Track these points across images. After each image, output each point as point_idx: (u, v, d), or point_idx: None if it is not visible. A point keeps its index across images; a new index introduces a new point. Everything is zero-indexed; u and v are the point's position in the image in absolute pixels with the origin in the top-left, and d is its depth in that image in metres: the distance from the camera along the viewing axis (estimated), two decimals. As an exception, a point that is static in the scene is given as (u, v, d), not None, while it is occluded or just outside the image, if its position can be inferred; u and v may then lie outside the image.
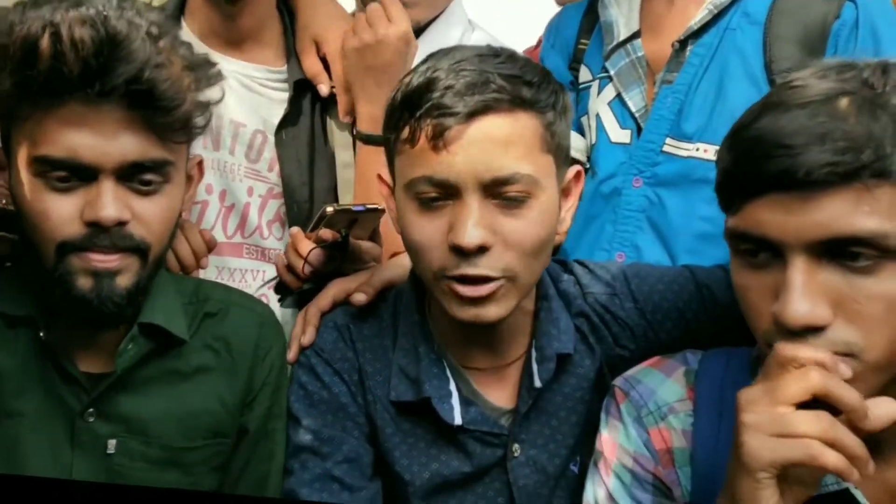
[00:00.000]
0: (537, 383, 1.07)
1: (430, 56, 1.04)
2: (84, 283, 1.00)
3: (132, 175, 1.00)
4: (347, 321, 1.14)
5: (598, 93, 1.46)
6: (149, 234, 1.02)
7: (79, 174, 0.98)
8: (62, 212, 0.99)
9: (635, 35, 1.43)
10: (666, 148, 1.38)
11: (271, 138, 1.43)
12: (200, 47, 1.33)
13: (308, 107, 1.46)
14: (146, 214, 1.02)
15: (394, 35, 1.37)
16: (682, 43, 1.39)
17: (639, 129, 1.41)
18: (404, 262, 1.22)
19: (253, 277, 1.44)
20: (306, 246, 1.22)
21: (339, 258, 1.21)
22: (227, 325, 1.16)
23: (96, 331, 1.07)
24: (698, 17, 1.38)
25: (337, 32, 1.46)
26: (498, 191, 0.97)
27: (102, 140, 0.97)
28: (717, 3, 1.38)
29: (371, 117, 1.40)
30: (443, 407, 1.07)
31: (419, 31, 1.55)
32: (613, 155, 1.42)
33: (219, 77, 1.08)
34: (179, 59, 1.02)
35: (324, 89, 1.45)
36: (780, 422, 0.76)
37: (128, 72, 0.96)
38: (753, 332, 0.87)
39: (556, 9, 1.77)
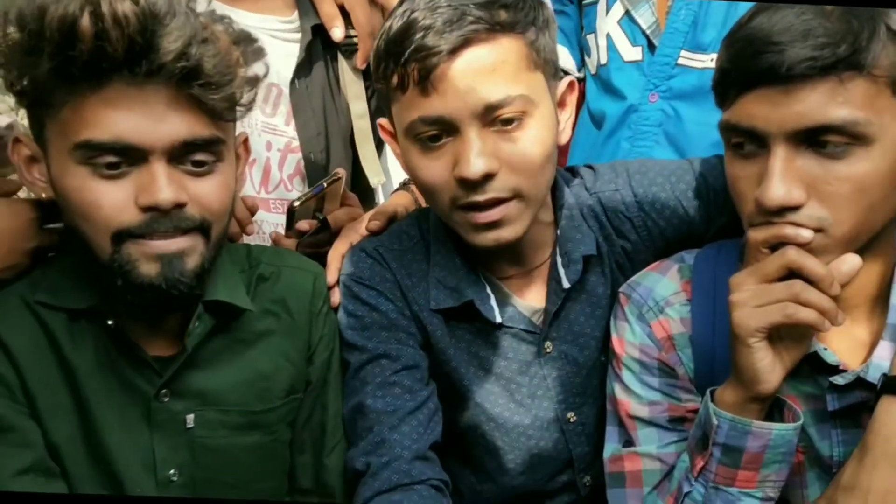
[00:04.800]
0: (566, 284, 1.27)
1: None
2: (149, 268, 1.06)
3: (184, 156, 1.06)
4: (376, 246, 1.33)
5: (607, 11, 1.65)
6: (208, 213, 1.09)
7: (128, 157, 1.04)
8: (114, 199, 1.04)
9: None
10: (681, 61, 1.58)
11: (286, 91, 1.56)
12: None
13: (321, 56, 1.62)
14: (203, 195, 1.08)
15: None
16: None
17: (650, 45, 1.61)
18: (399, 199, 1.44)
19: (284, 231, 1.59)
20: (291, 245, 1.41)
21: (327, 238, 1.41)
22: (282, 286, 1.27)
23: (162, 314, 1.16)
24: None
25: None
26: (493, 116, 1.12)
27: (150, 120, 1.02)
28: None
29: None
30: (485, 307, 1.27)
31: None
32: (628, 73, 1.63)
33: (262, 52, 1.15)
34: (224, 34, 1.09)
35: (337, 33, 1.58)
36: (761, 294, 1.02)
37: (175, 48, 1.00)
38: (741, 217, 1.11)
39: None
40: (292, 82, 1.57)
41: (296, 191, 1.59)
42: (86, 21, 0.98)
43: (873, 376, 1.07)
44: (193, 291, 1.10)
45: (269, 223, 1.58)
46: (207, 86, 1.04)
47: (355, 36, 1.59)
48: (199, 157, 1.08)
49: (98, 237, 1.06)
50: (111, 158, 1.03)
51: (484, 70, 1.12)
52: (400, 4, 1.17)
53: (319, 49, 1.61)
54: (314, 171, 1.59)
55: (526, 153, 1.15)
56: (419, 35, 1.11)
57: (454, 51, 1.10)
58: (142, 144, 1.03)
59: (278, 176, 1.59)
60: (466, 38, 1.10)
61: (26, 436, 1.12)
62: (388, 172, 1.79)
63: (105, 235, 1.06)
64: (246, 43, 1.12)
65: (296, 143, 1.59)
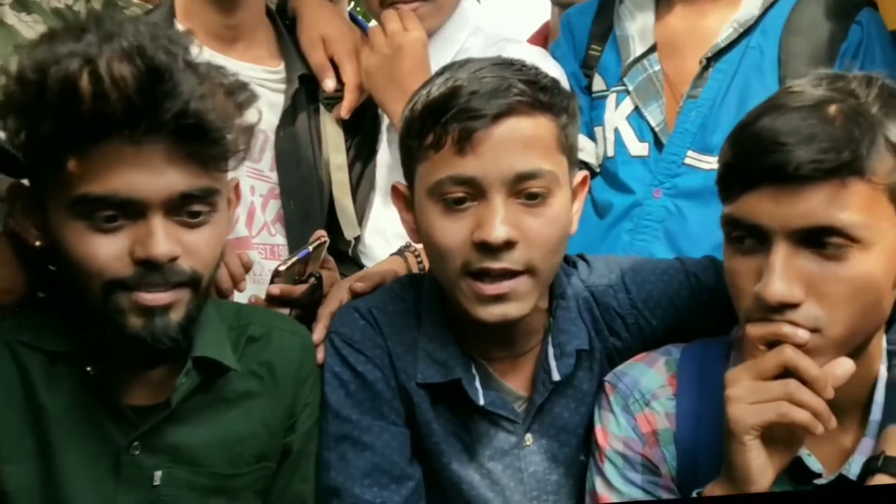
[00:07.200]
0: (556, 377, 1.30)
1: (446, 68, 1.26)
2: (135, 321, 1.09)
3: (180, 207, 1.09)
4: (370, 307, 1.35)
5: (616, 106, 1.73)
6: (199, 266, 1.12)
7: (126, 211, 1.07)
8: (109, 252, 1.07)
9: (651, 49, 1.70)
10: (687, 160, 1.65)
11: (272, 138, 1.64)
12: None
13: (305, 106, 1.71)
14: (196, 247, 1.11)
15: (411, 42, 1.64)
16: (708, 59, 1.65)
17: (657, 142, 1.68)
18: (391, 264, 1.48)
19: (267, 276, 1.61)
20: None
21: (321, 297, 1.45)
22: (271, 349, 1.29)
23: (147, 367, 1.18)
24: (724, 34, 1.66)
25: (344, 31, 1.74)
26: (521, 187, 1.19)
27: (148, 175, 1.05)
28: (742, 22, 1.65)
29: None
30: (470, 388, 1.29)
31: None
32: (633, 168, 1.69)
33: (254, 98, 1.18)
34: (220, 86, 1.12)
35: (329, 84, 1.69)
36: (757, 391, 1.05)
37: (174, 107, 1.03)
38: (737, 311, 1.15)
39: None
40: (277, 131, 1.65)
41: (279, 235, 1.66)
42: (85, 82, 1.01)
43: (855, 473, 1.09)
44: (178, 345, 1.12)
45: (257, 262, 1.60)
46: (206, 140, 1.07)
47: (341, 88, 1.69)
48: (195, 207, 1.10)
49: (90, 286, 1.09)
50: (108, 212, 1.06)
51: (521, 140, 1.19)
52: (440, 73, 1.25)
53: (304, 99, 1.70)
54: (293, 218, 1.65)
55: (546, 230, 1.21)
56: (464, 98, 1.18)
57: (498, 117, 1.18)
58: (140, 199, 1.06)
59: (262, 219, 1.66)
60: (511, 106, 1.19)
61: None
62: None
63: (96, 284, 1.09)
64: (239, 92, 1.15)
65: (278, 190, 1.66)
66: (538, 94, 1.20)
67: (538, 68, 1.27)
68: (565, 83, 1.73)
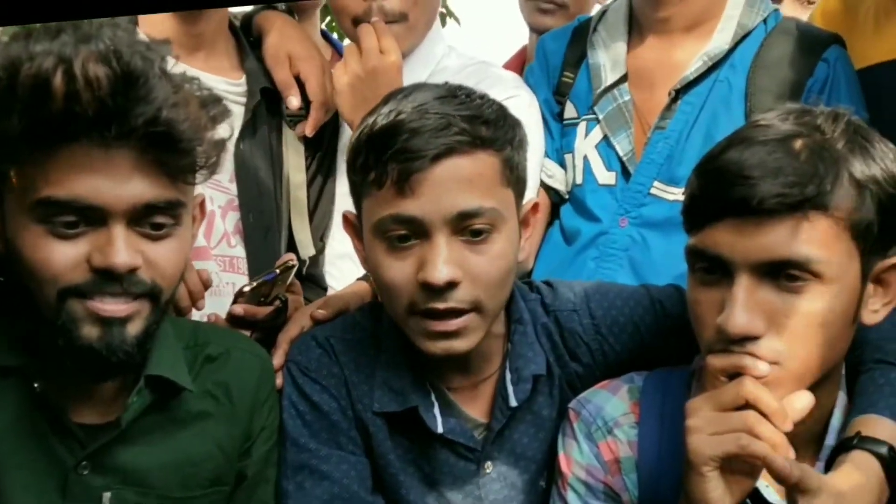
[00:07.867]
0: (513, 402, 1.30)
1: (392, 97, 1.25)
2: (90, 331, 1.06)
3: (143, 218, 1.07)
4: (328, 335, 1.35)
5: (586, 135, 1.74)
6: (160, 279, 1.10)
7: (87, 218, 1.05)
8: (66, 258, 1.05)
9: (622, 79, 1.72)
10: (653, 191, 1.67)
11: (232, 150, 1.62)
12: None
13: (265, 121, 1.72)
14: (158, 259, 1.09)
15: (386, 66, 1.64)
16: (677, 91, 1.67)
17: (624, 171, 1.70)
18: (357, 288, 1.48)
19: (225, 288, 1.61)
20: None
21: (284, 321, 1.45)
22: (228, 370, 1.27)
23: (97, 381, 1.15)
24: (693, 67, 1.68)
25: (311, 50, 1.75)
26: (464, 225, 1.19)
27: (114, 182, 1.04)
28: (712, 56, 1.67)
29: None
30: (427, 416, 1.28)
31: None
32: (600, 196, 1.71)
33: (227, 113, 1.17)
34: (194, 98, 1.11)
35: (294, 102, 1.69)
36: (716, 422, 1.05)
37: (146, 113, 1.02)
38: (699, 341, 1.15)
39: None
40: (237, 143, 1.65)
41: (238, 247, 1.66)
42: (58, 81, 1.00)
43: None
44: (133, 360, 1.10)
45: (214, 273, 1.59)
46: (175, 150, 1.06)
47: (304, 106, 1.70)
48: (159, 219, 1.09)
49: (44, 294, 1.07)
50: (70, 218, 1.04)
51: (462, 179, 1.18)
52: (385, 102, 1.24)
53: (264, 113, 1.71)
54: (252, 231, 1.65)
55: (490, 267, 1.20)
56: (404, 136, 1.17)
57: (436, 157, 1.17)
58: (103, 206, 1.04)
59: (221, 229, 1.65)
60: (450, 147, 1.17)
61: None
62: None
63: (51, 291, 1.06)
64: (213, 105, 1.15)
65: (237, 202, 1.66)
66: (480, 130, 1.19)
67: (485, 97, 1.26)
68: (535, 110, 1.76)
